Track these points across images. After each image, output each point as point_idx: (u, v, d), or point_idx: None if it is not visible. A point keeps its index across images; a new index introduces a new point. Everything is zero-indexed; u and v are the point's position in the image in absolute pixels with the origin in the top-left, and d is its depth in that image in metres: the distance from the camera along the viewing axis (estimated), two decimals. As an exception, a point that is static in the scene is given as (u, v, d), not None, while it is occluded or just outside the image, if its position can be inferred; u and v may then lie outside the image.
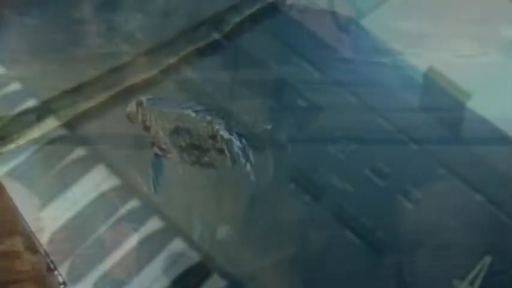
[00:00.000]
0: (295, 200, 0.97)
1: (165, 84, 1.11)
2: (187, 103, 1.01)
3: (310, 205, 0.96)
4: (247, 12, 1.18)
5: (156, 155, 1.00)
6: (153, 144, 1.00)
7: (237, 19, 1.18)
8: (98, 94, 1.09)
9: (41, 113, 1.07)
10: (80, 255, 0.93)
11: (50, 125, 1.06)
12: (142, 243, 0.94)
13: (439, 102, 1.09)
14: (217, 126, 0.97)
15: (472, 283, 0.88)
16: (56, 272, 0.91)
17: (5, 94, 1.10)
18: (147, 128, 1.00)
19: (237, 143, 0.97)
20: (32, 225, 0.95)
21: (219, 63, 1.14)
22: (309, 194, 0.97)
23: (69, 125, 1.06)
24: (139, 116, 1.00)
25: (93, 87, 1.10)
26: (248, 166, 0.97)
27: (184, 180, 0.99)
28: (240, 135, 0.98)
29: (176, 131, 0.98)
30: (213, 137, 0.97)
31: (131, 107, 1.01)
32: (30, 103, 1.08)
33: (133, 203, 0.97)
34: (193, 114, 0.98)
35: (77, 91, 1.09)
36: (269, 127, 1.02)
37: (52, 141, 1.04)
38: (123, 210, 0.96)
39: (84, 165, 1.01)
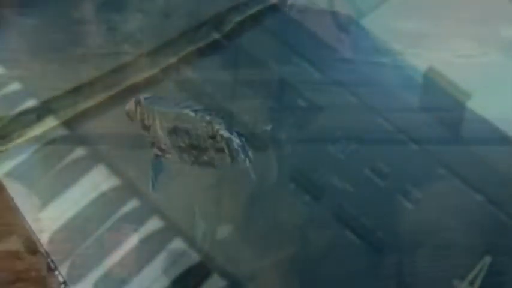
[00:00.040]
0: (295, 200, 0.97)
1: (166, 84, 1.11)
2: (186, 102, 1.01)
3: (310, 205, 0.96)
4: (249, 12, 1.18)
5: (156, 155, 1.00)
6: (152, 144, 1.00)
7: (237, 19, 1.18)
8: (98, 94, 1.09)
9: (41, 112, 1.07)
10: (80, 255, 0.93)
11: (50, 124, 1.06)
12: (142, 243, 0.94)
13: (439, 102, 1.09)
14: (217, 126, 0.97)
15: (472, 283, 0.88)
16: (56, 272, 0.91)
17: (5, 94, 1.10)
18: (146, 127, 1.00)
19: (236, 142, 0.97)
20: (32, 225, 0.95)
21: (219, 63, 1.14)
22: (309, 194, 0.97)
23: (69, 124, 1.06)
24: (138, 115, 1.01)
25: (93, 87, 1.10)
26: (248, 164, 0.97)
27: (184, 180, 1.00)
28: (239, 134, 0.98)
29: (175, 131, 0.98)
30: (213, 136, 0.97)
31: (130, 105, 1.01)
32: (30, 103, 1.08)
33: (133, 203, 0.97)
34: (192, 114, 0.98)
35: (77, 91, 1.09)
36: (269, 127, 1.02)
37: (52, 141, 1.04)
38: (123, 210, 0.96)
39: (84, 165, 1.01)
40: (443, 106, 1.08)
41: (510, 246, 0.92)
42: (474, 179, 0.97)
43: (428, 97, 1.09)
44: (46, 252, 0.93)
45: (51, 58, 1.13)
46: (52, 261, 0.92)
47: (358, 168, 0.99)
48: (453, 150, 1.02)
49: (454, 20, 1.17)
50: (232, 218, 0.96)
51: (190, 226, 0.95)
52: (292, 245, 0.93)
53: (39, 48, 1.16)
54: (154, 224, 0.95)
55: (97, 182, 1.00)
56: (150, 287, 0.90)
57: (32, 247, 0.93)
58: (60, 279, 0.91)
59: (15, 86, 1.11)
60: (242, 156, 0.97)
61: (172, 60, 1.13)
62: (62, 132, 1.06)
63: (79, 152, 1.03)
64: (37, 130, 1.05)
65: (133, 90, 1.08)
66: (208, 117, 0.98)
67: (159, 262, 0.92)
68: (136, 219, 0.96)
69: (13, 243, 0.94)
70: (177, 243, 0.94)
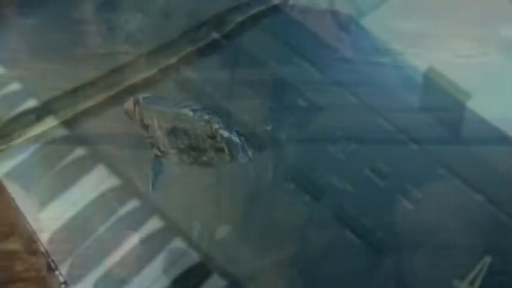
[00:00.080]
0: (295, 200, 0.97)
1: (165, 84, 1.11)
2: (185, 102, 1.01)
3: (310, 205, 0.96)
4: (250, 13, 1.18)
5: (156, 155, 1.00)
6: (152, 144, 1.00)
7: (238, 20, 1.18)
8: (98, 94, 1.09)
9: (40, 113, 1.07)
10: (80, 255, 0.93)
11: (50, 124, 1.06)
12: (142, 243, 0.94)
13: (439, 102, 1.09)
14: (216, 125, 0.97)
15: (472, 283, 0.88)
16: (56, 272, 0.91)
17: (5, 94, 1.10)
18: (144, 126, 1.00)
19: (236, 141, 0.97)
20: (32, 225, 0.95)
21: (219, 63, 1.14)
22: (309, 194, 0.97)
23: (69, 124, 1.06)
24: (137, 114, 1.01)
25: (93, 87, 1.10)
26: (247, 163, 0.97)
27: (184, 180, 0.99)
28: (239, 134, 0.98)
29: (173, 131, 0.98)
30: (212, 136, 0.97)
31: (128, 105, 1.01)
32: (30, 103, 1.08)
33: (133, 203, 0.97)
34: (190, 114, 0.98)
35: (76, 91, 1.09)
36: (269, 127, 1.02)
37: (52, 141, 1.04)
38: (122, 211, 0.96)
39: (84, 165, 1.01)
40: (443, 106, 1.08)
41: (510, 246, 0.92)
42: (474, 179, 0.97)
43: (428, 97, 1.09)
44: (46, 252, 0.93)
45: (51, 58, 1.13)
46: (53, 261, 0.92)
47: (358, 168, 0.99)
48: (453, 150, 1.02)
49: (454, 20, 1.17)
50: (232, 218, 0.96)
51: (190, 226, 0.95)
52: (292, 245, 0.93)
53: (39, 48, 1.16)
54: (154, 224, 0.95)
55: (97, 182, 1.00)
56: (150, 287, 0.90)
57: (32, 247, 0.93)
58: (61, 279, 0.91)
59: (15, 86, 1.11)
60: (242, 155, 0.97)
61: (172, 60, 1.13)
62: (62, 132, 1.06)
63: (79, 152, 1.03)
64: (37, 130, 1.05)
65: (133, 90, 1.08)
66: (206, 117, 0.98)
67: (159, 262, 0.92)
68: (137, 219, 0.96)
69: (13, 243, 0.94)
70: (177, 243, 0.94)
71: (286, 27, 1.18)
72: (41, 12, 1.21)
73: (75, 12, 1.21)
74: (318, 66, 1.11)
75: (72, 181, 1.00)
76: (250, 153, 0.97)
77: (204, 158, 0.98)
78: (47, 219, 0.96)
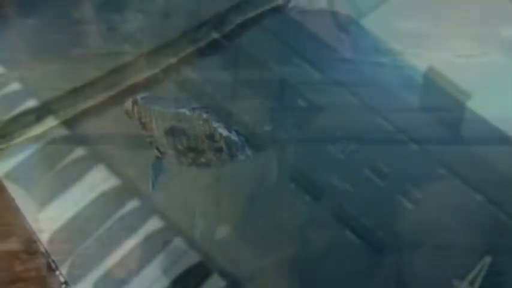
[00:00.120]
0: (295, 200, 0.97)
1: (165, 84, 1.11)
2: (183, 102, 1.01)
3: (310, 205, 0.96)
4: (251, 14, 1.18)
5: (157, 156, 1.00)
6: (150, 143, 1.00)
7: (238, 20, 1.18)
8: (98, 94, 1.09)
9: (40, 113, 1.07)
10: (80, 255, 0.93)
11: (50, 124, 1.06)
12: (142, 243, 0.94)
13: (439, 102, 1.09)
14: (215, 124, 0.97)
15: (472, 283, 0.88)
16: (57, 272, 0.91)
17: (5, 94, 1.10)
18: (143, 126, 1.00)
19: (235, 139, 0.97)
20: (32, 225, 0.95)
21: (219, 63, 1.14)
22: (309, 194, 0.97)
23: (69, 124, 1.06)
24: (135, 114, 1.01)
25: (94, 87, 1.10)
26: (247, 162, 0.97)
27: (184, 180, 1.00)
28: (238, 133, 0.98)
29: (171, 131, 0.98)
30: (211, 136, 0.97)
31: (127, 105, 1.02)
32: (30, 103, 1.08)
33: (133, 203, 0.97)
34: (188, 113, 0.98)
35: (77, 91, 1.09)
36: (270, 127, 1.02)
37: (52, 141, 1.04)
38: (123, 210, 0.96)
39: (84, 165, 1.01)
40: (443, 106, 1.08)
41: (510, 246, 0.92)
42: (474, 179, 0.97)
43: (428, 97, 1.09)
44: (46, 252, 0.93)
45: (51, 58, 1.13)
46: (53, 261, 0.92)
47: (358, 168, 0.99)
48: (453, 150, 1.02)
49: (454, 20, 1.17)
50: (232, 218, 0.96)
51: (190, 226, 0.95)
52: (292, 245, 0.93)
53: (39, 48, 1.16)
54: (154, 224, 0.95)
55: (97, 182, 1.00)
56: (150, 287, 0.90)
57: (32, 247, 0.93)
58: (61, 279, 0.91)
59: (15, 86, 1.11)
60: (241, 154, 0.97)
61: (172, 60, 1.13)
62: (62, 132, 1.06)
63: (79, 152, 1.03)
64: (37, 130, 1.05)
65: (133, 90, 1.08)
66: (205, 115, 0.98)
67: (159, 262, 0.92)
68: (137, 219, 0.96)
69: (13, 243, 0.94)
70: (177, 243, 0.94)
71: (286, 27, 1.18)
72: (41, 12, 1.21)
73: (75, 12, 1.21)
74: (318, 66, 1.11)
75: (72, 181, 1.00)
76: (249, 152, 0.98)
77: (202, 160, 0.98)
78: (47, 219, 0.96)
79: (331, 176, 0.98)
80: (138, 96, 1.02)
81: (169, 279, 0.91)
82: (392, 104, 1.07)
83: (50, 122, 1.06)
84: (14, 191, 0.98)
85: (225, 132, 0.97)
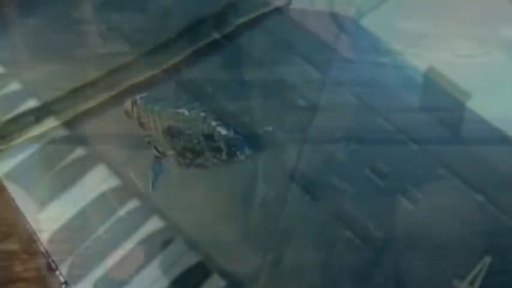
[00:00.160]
0: (295, 200, 0.97)
1: (165, 84, 1.11)
2: (182, 102, 1.01)
3: (310, 205, 0.96)
4: (251, 15, 1.18)
5: (156, 156, 1.00)
6: (149, 143, 1.00)
7: (239, 21, 1.18)
8: (98, 94, 1.09)
9: (40, 114, 1.07)
10: (80, 255, 0.93)
11: (50, 125, 1.06)
12: (142, 243, 0.94)
13: (439, 102, 1.09)
14: (213, 123, 0.97)
15: (472, 283, 0.88)
16: (57, 272, 0.91)
17: (5, 94, 1.10)
18: (142, 126, 1.01)
19: (234, 137, 0.97)
20: (32, 225, 0.95)
21: (219, 64, 1.14)
22: (309, 194, 0.97)
23: (69, 125, 1.06)
24: (135, 114, 1.01)
25: (94, 87, 1.10)
26: (247, 162, 0.97)
27: (184, 180, 1.00)
28: (237, 132, 0.98)
29: (169, 131, 0.98)
30: (209, 135, 0.97)
31: (127, 105, 1.02)
32: (30, 103, 1.08)
33: (133, 203, 0.97)
34: (187, 113, 0.98)
35: (77, 91, 1.09)
36: (270, 128, 1.02)
37: (52, 141, 1.04)
38: (122, 211, 0.96)
39: (84, 165, 1.01)
40: (443, 106, 1.08)
41: (510, 246, 0.92)
42: (474, 179, 0.97)
43: (428, 97, 1.09)
44: (46, 252, 0.93)
45: (51, 58, 1.13)
46: (53, 261, 0.92)
47: (358, 168, 0.99)
48: (453, 150, 1.02)
49: (454, 20, 1.17)
50: (232, 218, 0.96)
51: (191, 226, 0.95)
52: (292, 245, 0.93)
53: (39, 48, 1.16)
54: (154, 224, 0.95)
55: (97, 182, 1.00)
56: (150, 287, 0.90)
57: (32, 247, 0.93)
58: (61, 279, 0.91)
59: (15, 86, 1.11)
60: (240, 153, 0.97)
61: (172, 60, 1.13)
62: (62, 132, 1.06)
63: (79, 152, 1.03)
64: (37, 131, 1.05)
65: (133, 90, 1.08)
66: (203, 114, 0.98)
67: (159, 262, 0.92)
68: (136, 219, 0.96)
69: (13, 243, 0.94)
70: (177, 243, 0.94)
71: (286, 27, 1.18)
72: (41, 12, 1.21)
73: (75, 12, 1.21)
74: (318, 66, 1.11)
75: (72, 181, 1.00)
76: (249, 152, 0.98)
77: (200, 161, 0.98)
78: (47, 219, 0.96)
79: (331, 176, 0.98)
80: (138, 97, 1.02)
81: (169, 279, 0.91)
82: (392, 104, 1.07)
83: (50, 123, 1.06)
84: (14, 191, 0.98)
85: (224, 131, 0.97)
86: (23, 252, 0.93)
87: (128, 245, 0.93)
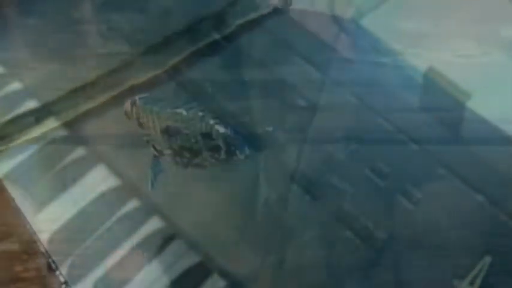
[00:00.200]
0: (295, 200, 0.97)
1: (165, 84, 1.11)
2: (182, 102, 1.01)
3: (310, 205, 0.96)
4: (251, 16, 1.18)
5: (154, 155, 1.00)
6: (147, 142, 1.01)
7: (238, 21, 1.18)
8: (98, 94, 1.09)
9: (40, 115, 1.07)
10: (80, 255, 0.93)
11: (50, 125, 1.06)
12: (142, 243, 0.94)
13: (439, 102, 1.09)
14: (211, 121, 0.97)
15: (472, 283, 0.88)
16: (57, 272, 0.91)
17: (5, 94, 1.10)
18: (141, 127, 1.01)
19: (233, 136, 0.97)
20: (32, 225, 0.95)
21: (219, 64, 1.14)
22: (309, 194, 0.97)
23: (69, 125, 1.06)
24: (134, 115, 1.01)
25: (94, 87, 1.10)
26: (246, 161, 0.97)
27: (184, 180, 1.00)
28: (236, 130, 0.98)
29: (167, 131, 0.98)
30: (207, 134, 0.97)
31: (126, 105, 1.02)
32: (30, 103, 1.08)
33: (133, 203, 0.97)
34: (185, 113, 0.98)
35: (77, 91, 1.09)
36: (271, 128, 1.02)
37: (52, 142, 1.04)
38: (122, 211, 0.96)
39: (84, 165, 1.01)
40: (443, 106, 1.08)
41: (510, 246, 0.92)
42: (474, 179, 0.97)
43: (428, 97, 1.09)
44: (46, 252, 0.93)
45: (51, 58, 1.13)
46: (53, 261, 0.92)
47: (358, 168, 0.99)
48: (453, 150, 1.02)
49: (454, 20, 1.17)
50: (233, 217, 0.96)
51: (191, 226, 0.95)
52: (292, 245, 0.93)
53: (39, 48, 1.16)
54: (154, 224, 0.95)
55: (97, 182, 1.00)
56: (150, 287, 0.90)
57: (32, 247, 0.93)
58: (61, 279, 0.91)
59: (15, 86, 1.11)
60: (240, 153, 0.97)
61: (172, 60, 1.13)
62: (62, 132, 1.06)
63: (79, 152, 1.03)
64: (37, 132, 1.05)
65: (133, 90, 1.08)
66: (201, 113, 0.98)
67: (159, 262, 0.92)
68: (137, 219, 0.96)
69: (13, 243, 0.94)
70: (177, 244, 0.94)
71: (286, 27, 1.18)
72: (41, 12, 1.21)
73: (75, 12, 1.21)
74: (317, 66, 1.11)
75: (72, 181, 1.00)
76: (248, 151, 0.98)
77: (198, 160, 0.98)
78: (46, 219, 0.96)
79: (331, 176, 0.98)
80: (137, 97, 1.02)
81: (169, 279, 0.91)
82: (392, 104, 1.07)
83: (50, 123, 1.06)
84: (14, 191, 0.98)
85: (222, 129, 0.97)
86: (23, 252, 0.93)
87: (128, 245, 0.93)
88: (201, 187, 0.98)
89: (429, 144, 1.02)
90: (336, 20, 1.19)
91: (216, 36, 1.16)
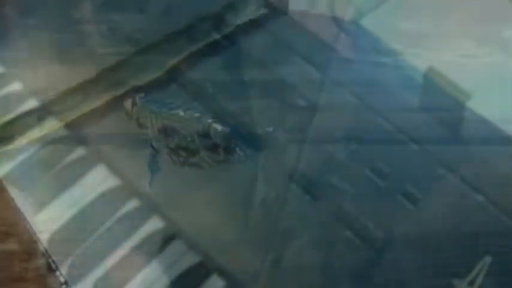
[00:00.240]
0: (295, 200, 0.97)
1: (166, 84, 1.11)
2: (180, 102, 1.01)
3: (310, 205, 0.96)
4: (251, 16, 1.18)
5: (152, 154, 1.00)
6: (146, 141, 1.01)
7: (238, 21, 1.18)
8: (98, 94, 1.09)
9: (42, 114, 1.07)
10: (80, 255, 0.93)
11: (51, 125, 1.06)
12: (142, 243, 0.94)
13: (439, 102, 1.09)
14: (209, 120, 0.97)
15: (472, 283, 0.88)
16: (57, 272, 0.91)
17: (5, 94, 1.10)
18: (141, 126, 1.01)
19: (231, 134, 0.97)
20: (32, 225, 0.95)
21: (219, 64, 1.14)
22: (309, 194, 0.97)
23: (69, 125, 1.06)
24: (134, 114, 1.02)
25: (94, 87, 1.10)
26: (244, 159, 0.97)
27: (184, 180, 1.00)
28: (235, 129, 0.98)
29: (164, 130, 0.98)
30: (205, 133, 0.97)
31: (127, 105, 1.03)
32: (31, 103, 1.09)
33: (133, 203, 0.97)
34: (182, 113, 0.99)
35: (77, 91, 1.09)
36: (271, 129, 1.02)
37: (52, 142, 1.04)
38: (122, 211, 0.96)
39: (84, 165, 1.01)
40: (443, 106, 1.08)
41: (510, 246, 0.92)
42: (474, 179, 0.97)
43: (428, 97, 1.09)
44: (46, 252, 0.93)
45: (51, 58, 1.13)
46: (53, 261, 0.92)
47: (358, 168, 0.99)
48: (453, 150, 1.02)
49: (454, 20, 1.17)
50: (232, 218, 0.96)
51: (191, 226, 0.95)
52: (292, 245, 0.93)
53: (39, 48, 1.16)
54: (154, 224, 0.95)
55: (97, 182, 1.00)
56: (150, 287, 0.90)
57: (32, 247, 0.93)
58: (61, 279, 0.91)
59: (15, 86, 1.11)
60: (240, 150, 0.97)
61: (173, 60, 1.13)
62: (62, 132, 1.06)
63: (79, 152, 1.03)
64: (38, 131, 1.05)
65: (133, 90, 1.08)
66: (197, 114, 0.98)
67: (159, 262, 0.92)
68: (137, 219, 0.96)
69: (13, 243, 0.94)
70: (177, 244, 0.94)
71: (286, 28, 1.18)
72: (41, 12, 1.21)
73: (75, 12, 1.21)
74: (317, 66, 1.11)
75: (72, 181, 1.00)
76: (247, 150, 0.98)
77: (195, 160, 0.98)
78: (46, 219, 0.96)
79: (331, 176, 0.98)
80: (137, 97, 1.02)
81: (169, 279, 0.91)
82: (392, 104, 1.07)
83: (50, 124, 1.06)
84: (14, 191, 0.98)
85: (219, 127, 0.97)
86: (23, 252, 0.93)
87: (128, 245, 0.93)
88: (201, 187, 0.98)
89: (429, 144, 1.02)
90: (335, 20, 1.19)
91: (216, 36, 1.16)
